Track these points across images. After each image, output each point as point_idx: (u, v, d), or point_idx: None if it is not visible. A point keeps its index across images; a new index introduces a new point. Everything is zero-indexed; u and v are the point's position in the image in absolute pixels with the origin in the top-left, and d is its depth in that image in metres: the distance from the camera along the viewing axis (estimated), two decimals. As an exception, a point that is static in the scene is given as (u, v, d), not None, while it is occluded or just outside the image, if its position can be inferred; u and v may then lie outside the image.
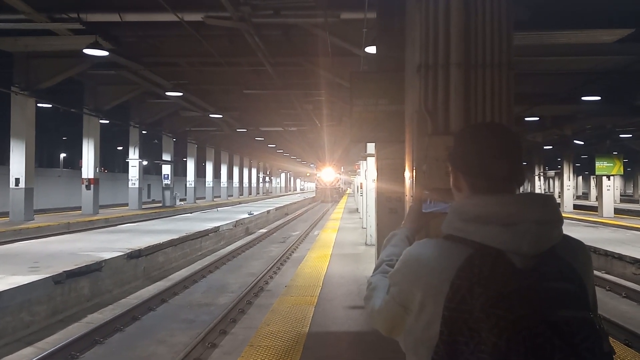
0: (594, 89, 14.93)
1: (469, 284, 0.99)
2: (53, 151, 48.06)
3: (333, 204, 43.58)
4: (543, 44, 10.06)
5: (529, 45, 9.83)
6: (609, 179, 21.86)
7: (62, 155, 49.25)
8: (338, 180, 54.01)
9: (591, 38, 9.76)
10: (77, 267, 8.33)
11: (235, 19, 10.27)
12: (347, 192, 66.89)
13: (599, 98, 15.35)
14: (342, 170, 55.18)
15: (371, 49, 9.10)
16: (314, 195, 55.55)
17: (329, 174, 50.63)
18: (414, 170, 2.96)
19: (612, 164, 21.72)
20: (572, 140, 24.42)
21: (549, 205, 1.07)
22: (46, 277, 7.47)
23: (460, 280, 1.00)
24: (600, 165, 21.68)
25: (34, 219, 16.96)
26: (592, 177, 41.05)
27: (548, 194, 1.36)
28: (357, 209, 25.29)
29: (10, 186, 16.49)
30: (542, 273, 1.01)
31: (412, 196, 3.13)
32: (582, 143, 25.81)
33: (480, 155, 1.14)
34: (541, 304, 0.97)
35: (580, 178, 61.24)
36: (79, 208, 21.82)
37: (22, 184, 16.36)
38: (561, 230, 1.08)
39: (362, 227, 15.42)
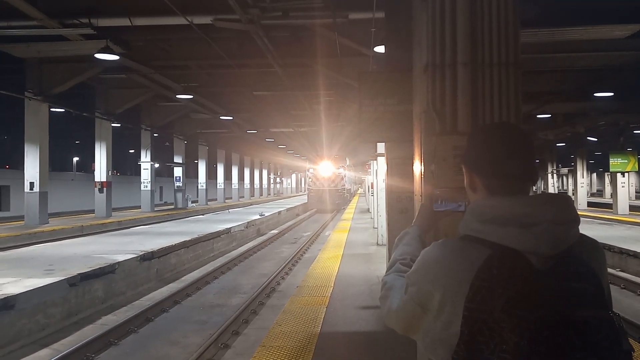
0: (606, 85, 14.78)
1: (489, 285, 1.00)
2: (66, 155, 48.59)
3: (336, 213, 30.28)
4: (553, 41, 9.98)
5: (540, 42, 9.76)
6: (623, 176, 21.60)
7: (75, 159, 49.79)
8: (342, 179, 35.82)
9: (602, 34, 9.66)
10: (91, 269, 8.42)
11: (244, 22, 10.31)
12: (358, 192, 60.18)
13: (611, 94, 15.18)
14: (347, 163, 37.84)
15: (380, 49, 9.09)
16: (306, 201, 36.70)
17: (327, 168, 35.30)
18: (423, 170, 2.96)
19: (626, 161, 21.46)
20: (585, 137, 24.19)
21: (566, 205, 1.08)
22: (61, 280, 7.57)
23: (480, 281, 1.02)
24: (615, 162, 21.43)
25: (48, 222, 17.17)
26: (606, 174, 40.58)
27: (564, 194, 1.37)
28: (368, 209, 25.25)
29: (25, 190, 16.71)
30: (560, 273, 1.02)
31: (421, 196, 3.13)
32: (596, 140, 25.55)
33: (494, 156, 1.16)
34: (561, 304, 0.98)
35: (594, 175, 60.56)
36: (92, 211, 22.04)
37: (36, 188, 16.57)
38: (578, 230, 1.09)
39: (374, 227, 15.40)
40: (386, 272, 1.37)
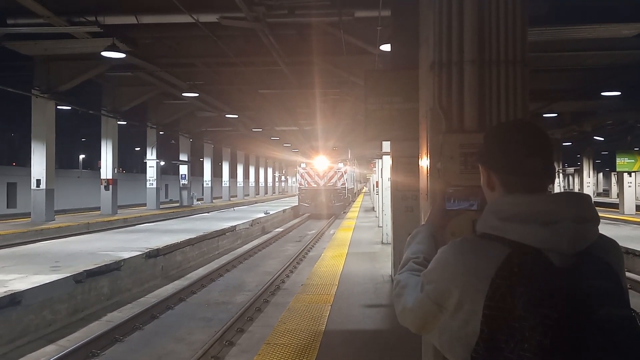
0: (614, 84, 14.68)
1: (510, 283, 1.00)
2: (72, 152, 48.81)
3: (334, 219, 25.10)
4: (561, 39, 9.93)
5: (547, 40, 9.71)
6: (630, 176, 21.47)
7: (82, 156, 50.01)
8: (342, 175, 28.50)
9: (610, 32, 9.60)
10: (96, 266, 8.47)
11: (250, 19, 10.32)
12: (364, 190, 58.50)
13: (619, 93, 15.09)
14: (349, 157, 31.65)
15: (386, 47, 9.08)
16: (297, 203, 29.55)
17: (323, 162, 28.75)
18: (429, 169, 2.95)
19: (633, 160, 21.32)
20: (591, 136, 24.05)
21: (586, 204, 1.09)
22: (67, 276, 7.61)
23: (501, 279, 1.01)
24: (621, 162, 21.30)
25: (54, 220, 17.26)
26: (612, 173, 40.35)
27: (584, 193, 1.37)
28: (373, 207, 25.23)
29: (32, 187, 16.81)
30: (581, 271, 1.02)
31: (427, 194, 3.12)
32: (603, 139, 25.39)
33: (513, 154, 1.15)
34: (583, 303, 0.98)
35: (600, 175, 60.23)
36: (98, 208, 22.14)
37: (43, 185, 16.66)
38: (597, 229, 1.10)
39: (378, 226, 15.39)
40: (399, 270, 1.36)
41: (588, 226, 1.06)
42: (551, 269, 1.01)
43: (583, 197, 1.10)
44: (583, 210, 1.07)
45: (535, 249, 1.03)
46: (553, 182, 1.17)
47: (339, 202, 28.14)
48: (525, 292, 0.98)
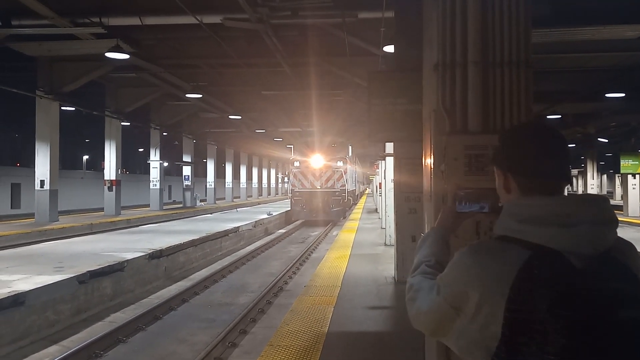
0: (618, 85, 14.63)
1: (531, 286, 1.00)
2: (76, 153, 48.96)
3: (332, 227, 21.77)
4: (565, 41, 9.89)
5: (550, 42, 9.67)
6: (634, 177, 21.41)
7: (85, 157, 50.14)
8: (342, 175, 24.50)
9: (614, 34, 9.56)
10: (100, 267, 8.48)
11: (254, 21, 10.32)
12: (367, 191, 56.65)
13: (623, 95, 15.04)
14: (349, 154, 26.86)
15: (389, 48, 9.07)
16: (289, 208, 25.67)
17: (320, 160, 24.32)
18: (432, 170, 2.94)
19: (637, 162, 21.25)
20: (595, 138, 23.98)
21: (605, 206, 1.08)
22: (70, 277, 7.62)
23: (521, 282, 1.01)
24: (625, 164, 21.24)
25: (58, 220, 17.30)
26: (616, 175, 40.23)
27: (603, 195, 1.37)
28: (376, 209, 25.19)
29: (36, 188, 16.86)
30: (601, 274, 1.02)
31: (431, 196, 3.11)
32: (607, 141, 25.32)
33: (531, 156, 1.15)
34: (605, 305, 0.98)
35: (604, 177, 60.04)
36: (102, 209, 22.19)
37: (46, 186, 16.70)
38: (616, 232, 1.09)
39: (381, 228, 15.36)
40: (410, 274, 1.35)
41: (607, 228, 1.06)
42: (573, 271, 1.01)
43: (602, 199, 1.10)
44: (602, 212, 1.07)
45: (555, 251, 1.02)
46: (570, 184, 1.17)
47: (338, 206, 23.99)
48: (548, 294, 0.98)
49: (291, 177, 25.39)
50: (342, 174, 24.40)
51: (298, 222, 24.23)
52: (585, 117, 21.46)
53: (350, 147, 26.99)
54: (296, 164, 24.89)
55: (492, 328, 1.03)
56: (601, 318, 0.96)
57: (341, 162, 24.64)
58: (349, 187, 26.09)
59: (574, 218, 1.04)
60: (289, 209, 25.24)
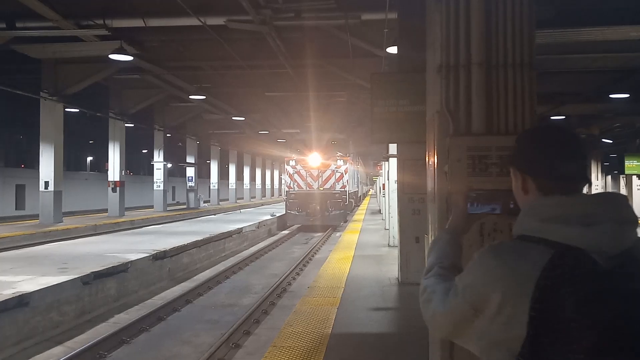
0: (622, 86, 14.59)
1: (556, 284, 0.99)
2: (80, 155, 49.10)
3: (331, 232, 19.83)
4: (568, 42, 9.87)
5: (554, 43, 9.65)
6: (639, 178, 21.33)
7: (89, 158, 50.28)
8: (342, 176, 22.56)
9: (618, 35, 9.54)
10: (104, 268, 8.50)
11: (257, 22, 10.34)
12: (370, 193, 56.40)
13: (627, 96, 15.00)
14: (351, 153, 25.21)
15: (392, 50, 9.07)
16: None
17: (318, 159, 22.52)
18: (436, 172, 2.94)
19: (642, 163, 21.19)
20: (599, 139, 23.90)
21: (626, 205, 1.09)
22: (74, 278, 7.65)
23: (546, 281, 1.00)
24: (630, 164, 21.17)
25: (62, 221, 17.35)
26: (621, 176, 40.06)
27: (622, 194, 1.36)
28: (380, 210, 25.17)
29: (40, 189, 16.92)
30: (626, 272, 1.02)
31: (434, 197, 3.11)
32: (611, 142, 25.23)
33: (551, 157, 1.15)
34: (632, 303, 0.99)
35: (609, 177, 59.80)
36: (106, 210, 22.24)
37: (51, 187, 16.76)
38: (637, 231, 1.09)
39: (385, 229, 15.35)
40: (423, 276, 1.35)
41: (629, 227, 1.06)
42: (598, 269, 1.01)
43: (623, 198, 1.10)
44: (624, 211, 1.07)
45: (579, 250, 1.02)
46: (589, 185, 1.17)
47: (338, 209, 21.82)
48: (575, 292, 0.97)
49: (286, 177, 23.06)
50: (342, 174, 22.40)
51: (294, 228, 22.13)
52: (590, 118, 21.40)
53: (351, 145, 25.25)
54: (292, 162, 22.78)
55: (514, 328, 1.03)
56: (629, 317, 0.96)
57: (341, 161, 22.68)
58: (350, 188, 24.18)
59: (597, 217, 1.04)
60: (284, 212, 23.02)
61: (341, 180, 22.31)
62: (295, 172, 22.44)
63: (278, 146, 37.36)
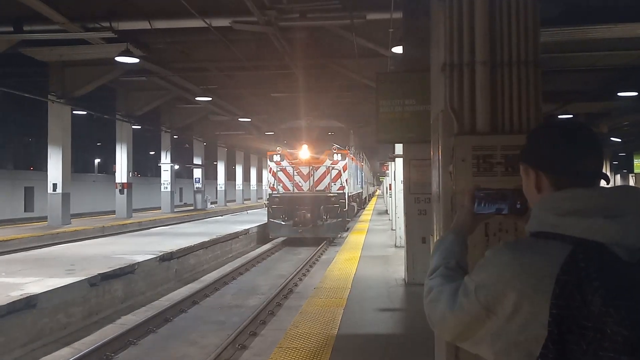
0: (630, 84, 14.47)
1: (578, 280, 0.95)
2: (88, 157, 49.38)
3: (328, 247, 15.84)
4: (575, 40, 9.80)
5: (561, 41, 9.59)
6: (648, 177, 21.17)
7: (97, 160, 50.56)
8: (340, 174, 17.24)
9: (626, 32, 9.46)
10: (111, 269, 8.53)
11: (262, 23, 10.35)
12: (377, 193, 55.66)
13: (635, 94, 14.87)
14: (350, 147, 19.09)
15: (398, 49, 9.05)
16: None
17: (307, 152, 17.05)
18: (440, 171, 2.92)
19: (651, 162, 21.03)
20: (608, 137, 23.72)
21: None
22: (82, 280, 7.68)
23: (567, 276, 0.96)
24: (639, 163, 20.99)
25: (70, 223, 17.45)
26: (630, 175, 39.76)
27: None
28: (387, 210, 25.14)
29: (48, 191, 17.03)
30: None
31: (439, 197, 3.09)
32: (620, 140, 25.04)
33: (568, 154, 1.11)
34: None
35: (618, 176, 59.42)
36: (113, 212, 22.35)
37: (59, 189, 16.87)
38: None
39: (392, 229, 15.32)
40: (428, 276, 1.30)
41: None
42: (621, 263, 0.97)
43: None
44: None
45: (599, 244, 0.98)
46: (607, 181, 1.13)
47: (334, 217, 16.77)
48: (602, 287, 0.93)
49: (268, 175, 18.23)
50: (340, 171, 17.21)
51: (279, 241, 17.51)
52: (598, 117, 21.23)
53: (352, 136, 20.00)
54: (275, 158, 17.48)
55: (534, 328, 0.98)
56: None
57: (339, 155, 17.31)
58: (351, 189, 18.92)
59: (620, 209, 1.00)
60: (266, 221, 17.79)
61: (339, 180, 17.21)
62: (280, 170, 17.35)
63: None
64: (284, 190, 17.20)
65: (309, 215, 16.59)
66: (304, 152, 17.00)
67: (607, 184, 1.14)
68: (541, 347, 0.97)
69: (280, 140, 18.58)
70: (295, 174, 17.17)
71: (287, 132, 18.56)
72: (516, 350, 1.02)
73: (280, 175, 17.35)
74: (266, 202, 17.79)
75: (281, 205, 16.92)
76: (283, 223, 16.76)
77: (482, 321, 1.08)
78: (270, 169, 17.77)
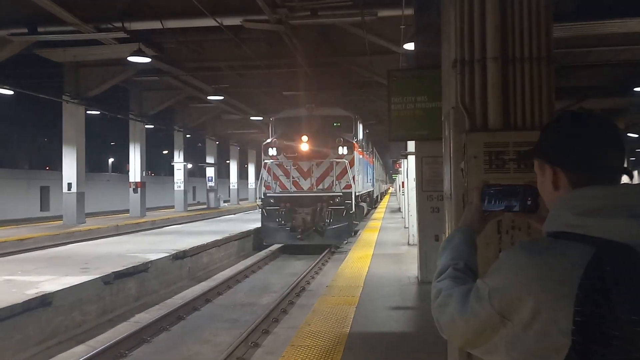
0: (648, 79, 14.24)
1: (604, 285, 0.88)
2: (102, 156, 49.89)
3: (330, 257, 13.87)
4: (591, 34, 9.65)
5: (576, 36, 9.44)
6: (665, 174, 20.80)
7: (110, 160, 51.07)
8: (346, 170, 14.35)
9: (641, 26, 9.30)
10: (124, 268, 8.61)
11: (273, 22, 10.36)
12: (390, 190, 54.88)
13: (653, 89, 14.64)
14: (359, 136, 16.51)
15: (410, 46, 8.99)
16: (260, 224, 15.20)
17: (309, 145, 14.33)
18: (452, 169, 2.89)
19: (668, 158, 20.65)
20: (625, 134, 23.38)
21: None
22: (96, 278, 7.76)
23: (591, 280, 0.89)
24: (656, 159, 20.63)
25: (85, 222, 17.64)
26: (647, 171, 39.14)
27: None
28: (399, 208, 25.04)
29: (63, 191, 17.23)
30: None
31: (450, 195, 3.05)
32: (637, 136, 24.68)
33: (588, 148, 1.04)
34: None
35: (635, 172, 58.55)
36: (127, 211, 22.55)
37: (74, 189, 17.06)
38: None
39: (405, 227, 15.25)
40: (436, 278, 1.24)
41: None
42: None
43: None
44: None
45: (624, 245, 0.91)
46: (630, 177, 1.06)
47: (339, 220, 14.44)
48: (629, 292, 0.86)
49: (263, 172, 15.37)
50: (346, 166, 14.58)
51: (274, 249, 15.33)
52: (614, 113, 20.88)
53: (360, 126, 17.14)
54: (271, 151, 15.03)
55: (552, 336, 0.91)
56: None
57: (345, 148, 14.65)
58: (360, 187, 16.59)
59: None
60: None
61: (344, 177, 14.65)
62: (276, 165, 15.00)
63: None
64: (281, 189, 14.93)
65: (309, 218, 14.22)
66: (304, 145, 14.57)
67: (631, 180, 1.06)
68: (563, 358, 0.90)
69: (276, 132, 15.92)
70: (293, 169, 14.84)
71: (284, 122, 16.01)
72: (535, 359, 0.95)
73: (277, 171, 14.97)
74: (259, 202, 15.21)
75: (277, 207, 14.65)
76: (279, 227, 14.45)
77: (496, 328, 1.00)
78: (265, 164, 15.12)
